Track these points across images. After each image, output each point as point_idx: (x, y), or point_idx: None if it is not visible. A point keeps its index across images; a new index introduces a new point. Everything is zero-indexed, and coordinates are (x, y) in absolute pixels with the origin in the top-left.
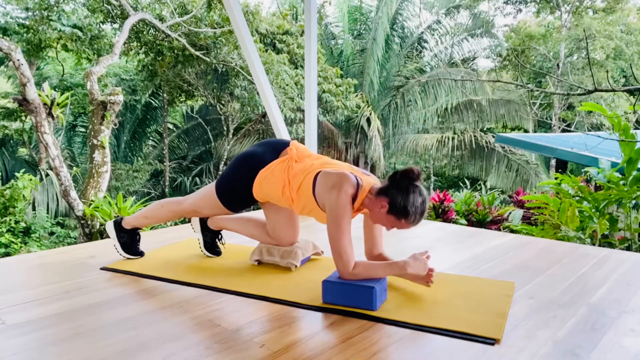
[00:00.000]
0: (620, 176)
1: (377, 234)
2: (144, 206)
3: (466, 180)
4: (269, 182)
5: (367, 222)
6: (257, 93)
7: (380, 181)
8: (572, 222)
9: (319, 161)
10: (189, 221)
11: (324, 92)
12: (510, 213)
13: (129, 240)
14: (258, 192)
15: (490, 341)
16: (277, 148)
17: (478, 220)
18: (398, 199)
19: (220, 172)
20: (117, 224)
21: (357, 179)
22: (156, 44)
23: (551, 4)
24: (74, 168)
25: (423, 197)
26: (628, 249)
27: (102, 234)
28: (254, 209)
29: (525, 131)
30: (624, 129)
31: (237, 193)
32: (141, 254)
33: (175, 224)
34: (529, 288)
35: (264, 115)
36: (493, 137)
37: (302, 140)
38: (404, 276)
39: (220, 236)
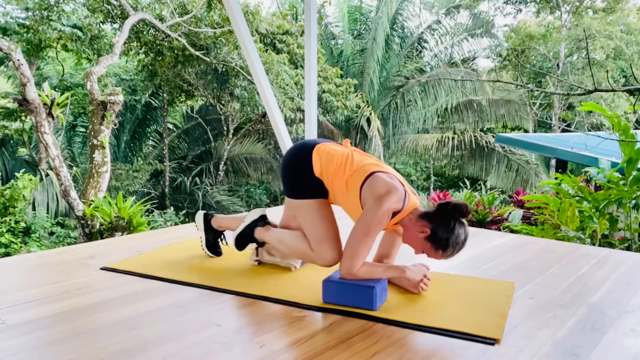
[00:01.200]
0: (620, 176)
1: (394, 251)
2: (144, 206)
3: (466, 180)
4: (328, 157)
5: (389, 236)
6: (257, 93)
7: (423, 203)
8: (572, 222)
9: (376, 161)
10: (193, 220)
11: (324, 92)
12: (510, 213)
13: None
14: (317, 165)
15: (490, 341)
16: (330, 140)
17: (478, 220)
18: (442, 230)
19: (220, 172)
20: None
21: (405, 195)
22: (156, 44)
23: (551, 4)
24: (74, 168)
25: (466, 235)
26: (628, 249)
27: (102, 234)
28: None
29: (525, 131)
30: (624, 129)
31: (300, 174)
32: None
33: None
34: (529, 288)
35: (264, 115)
36: (493, 137)
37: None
38: (400, 281)
39: (222, 236)
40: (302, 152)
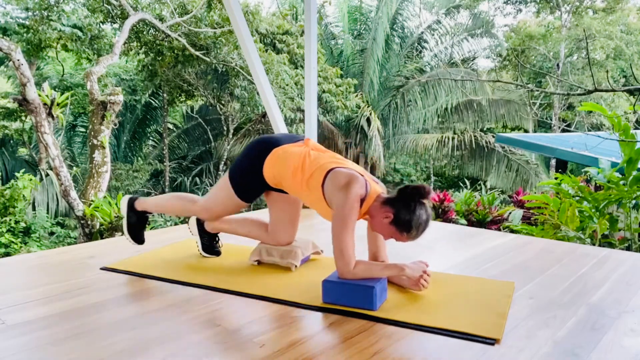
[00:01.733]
0: (620, 176)
1: (380, 243)
2: None
3: (466, 180)
4: (282, 162)
5: (370, 233)
6: (257, 93)
7: (388, 191)
8: (572, 222)
9: (335, 158)
10: (187, 223)
11: (324, 92)
12: (510, 213)
13: (137, 223)
14: (269, 172)
15: (490, 341)
16: (294, 138)
17: (478, 220)
18: (404, 212)
19: (220, 172)
20: (131, 202)
21: (366, 183)
22: (156, 44)
23: (551, 4)
24: (74, 168)
25: (427, 216)
26: (628, 249)
27: (102, 234)
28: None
29: (525, 131)
30: (624, 129)
31: (249, 175)
32: (142, 241)
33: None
34: (529, 288)
35: (264, 115)
36: (493, 137)
37: None
38: (399, 280)
39: (217, 239)
40: (259, 155)
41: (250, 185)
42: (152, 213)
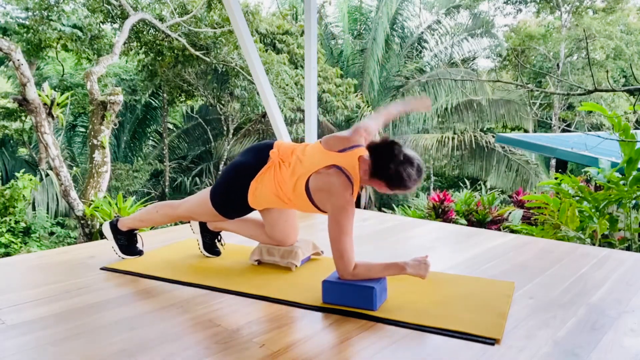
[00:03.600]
0: (620, 176)
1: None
2: (144, 206)
3: (466, 180)
4: (262, 193)
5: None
6: (257, 93)
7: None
8: (572, 222)
9: (298, 160)
10: (189, 222)
11: (324, 92)
12: (510, 213)
13: (127, 242)
14: (255, 203)
15: (490, 341)
16: (261, 153)
17: (478, 220)
18: (394, 180)
19: (220, 173)
20: (114, 226)
21: (345, 173)
22: (156, 44)
23: (551, 4)
24: (74, 168)
25: (416, 163)
26: (628, 249)
27: (102, 234)
28: None
29: (525, 131)
30: (624, 129)
31: (233, 204)
32: (140, 252)
33: (175, 224)
34: (529, 288)
35: (264, 115)
36: (493, 137)
37: (302, 141)
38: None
39: (219, 237)
40: (240, 188)
41: (235, 210)
42: (137, 229)
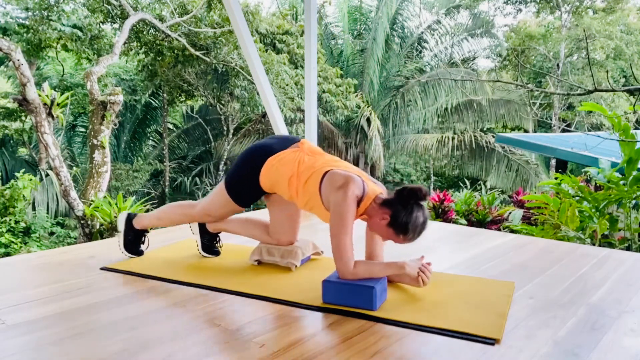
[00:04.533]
0: (620, 176)
1: (378, 243)
2: (144, 206)
3: (466, 180)
4: (277, 171)
5: (369, 235)
6: (257, 93)
7: (387, 191)
8: (572, 222)
9: (330, 161)
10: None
11: (324, 92)
12: (510, 213)
13: (133, 240)
14: (265, 180)
15: (490, 341)
16: (288, 141)
17: (478, 220)
18: (401, 214)
19: (220, 172)
20: (129, 221)
21: (363, 184)
22: (156, 44)
23: (551, 4)
24: (74, 168)
25: (425, 218)
26: (628, 249)
27: (102, 234)
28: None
29: (525, 131)
30: (624, 129)
31: (245, 184)
32: (141, 253)
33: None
34: (529, 288)
35: (264, 115)
36: (493, 137)
37: None
38: (401, 278)
39: (218, 239)
40: (255, 163)
41: (247, 192)
42: (149, 230)
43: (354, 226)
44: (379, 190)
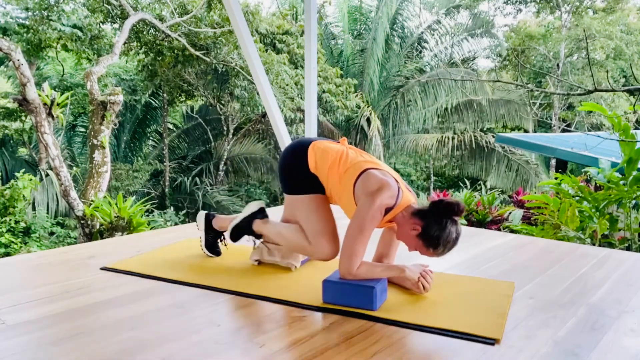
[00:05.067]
0: (620, 176)
1: (393, 248)
2: (144, 206)
3: (466, 180)
4: (322, 153)
5: (387, 235)
6: (257, 93)
7: (417, 200)
8: (572, 222)
9: (372, 160)
10: (193, 220)
11: (324, 92)
12: (510, 213)
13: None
14: (311, 160)
15: (490, 341)
16: (325, 138)
17: (478, 220)
18: (434, 227)
19: (220, 172)
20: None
21: (398, 193)
22: (156, 44)
23: (551, 4)
24: (74, 168)
25: (458, 234)
26: (628, 249)
27: (102, 234)
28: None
29: (525, 131)
30: (624, 129)
31: (295, 171)
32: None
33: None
34: (529, 288)
35: (264, 115)
36: (493, 137)
37: None
38: (402, 282)
39: (222, 237)
40: (299, 149)
41: (302, 178)
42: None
43: (371, 234)
44: (412, 200)
